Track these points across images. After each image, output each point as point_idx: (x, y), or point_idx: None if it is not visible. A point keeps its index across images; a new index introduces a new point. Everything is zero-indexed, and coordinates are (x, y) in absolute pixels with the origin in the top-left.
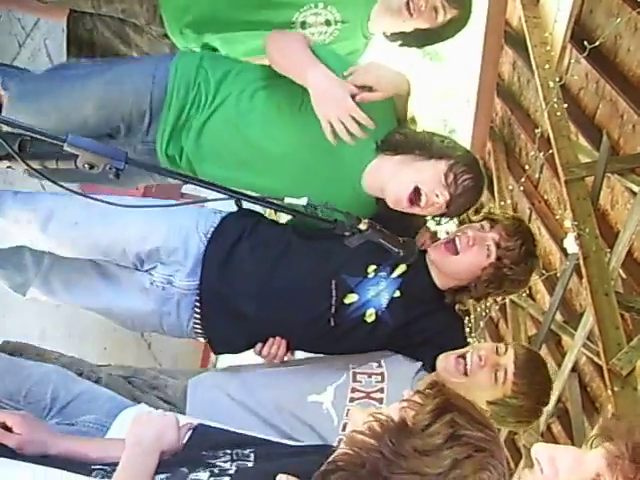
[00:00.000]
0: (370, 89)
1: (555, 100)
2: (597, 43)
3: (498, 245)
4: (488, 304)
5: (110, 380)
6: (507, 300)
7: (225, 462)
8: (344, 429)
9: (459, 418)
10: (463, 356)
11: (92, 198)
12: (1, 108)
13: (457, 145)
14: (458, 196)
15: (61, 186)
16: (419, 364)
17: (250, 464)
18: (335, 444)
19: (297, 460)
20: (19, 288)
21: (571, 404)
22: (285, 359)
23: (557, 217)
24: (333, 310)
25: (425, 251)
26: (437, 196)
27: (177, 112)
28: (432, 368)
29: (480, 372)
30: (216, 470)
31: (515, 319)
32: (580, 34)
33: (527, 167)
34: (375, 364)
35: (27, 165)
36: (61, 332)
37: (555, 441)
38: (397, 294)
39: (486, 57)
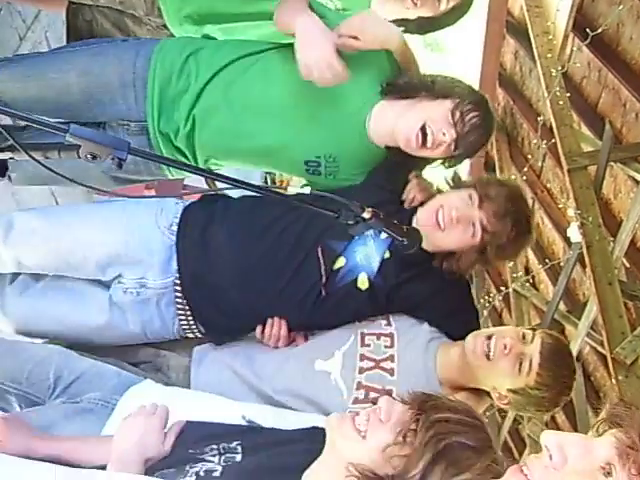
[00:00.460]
0: (356, 39)
1: (557, 89)
2: (599, 30)
3: (485, 228)
4: (492, 295)
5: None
6: (510, 290)
7: (213, 456)
8: (354, 403)
9: (450, 466)
10: (490, 337)
11: (95, 189)
12: None
13: (463, 84)
14: (466, 134)
15: (63, 177)
16: (429, 328)
17: (238, 457)
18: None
19: (284, 450)
20: None
21: (575, 394)
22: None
23: (560, 206)
24: (324, 280)
25: (415, 209)
26: (444, 134)
27: (162, 83)
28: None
29: (503, 360)
30: (202, 473)
31: (519, 309)
32: (582, 23)
33: (529, 156)
34: (383, 322)
35: (30, 156)
36: None
37: (559, 430)
38: (387, 255)
39: (488, 47)
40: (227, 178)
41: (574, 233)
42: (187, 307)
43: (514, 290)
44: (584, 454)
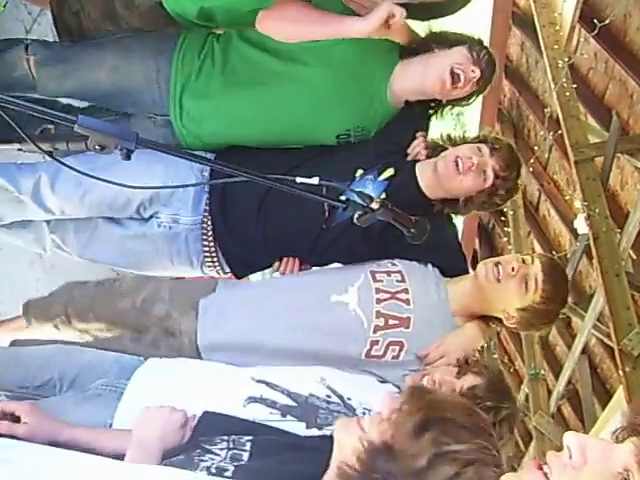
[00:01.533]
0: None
1: (564, 80)
2: (607, 21)
3: (497, 175)
4: None
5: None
6: None
7: (221, 450)
8: (375, 332)
9: (441, 435)
10: (497, 264)
11: (102, 180)
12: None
13: (462, 33)
14: (485, 68)
15: (71, 168)
16: (433, 269)
17: (245, 455)
18: (365, 347)
19: (298, 457)
20: (38, 244)
21: (581, 386)
22: None
23: (566, 198)
24: (326, 215)
25: (417, 160)
26: (473, 71)
27: (184, 80)
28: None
29: (512, 281)
30: (213, 470)
31: None
32: (589, 14)
33: (536, 148)
34: (389, 263)
35: (38, 147)
36: None
37: (565, 423)
38: (384, 197)
39: (494, 38)
40: (235, 168)
41: (581, 225)
42: (212, 242)
43: None
44: (604, 458)
